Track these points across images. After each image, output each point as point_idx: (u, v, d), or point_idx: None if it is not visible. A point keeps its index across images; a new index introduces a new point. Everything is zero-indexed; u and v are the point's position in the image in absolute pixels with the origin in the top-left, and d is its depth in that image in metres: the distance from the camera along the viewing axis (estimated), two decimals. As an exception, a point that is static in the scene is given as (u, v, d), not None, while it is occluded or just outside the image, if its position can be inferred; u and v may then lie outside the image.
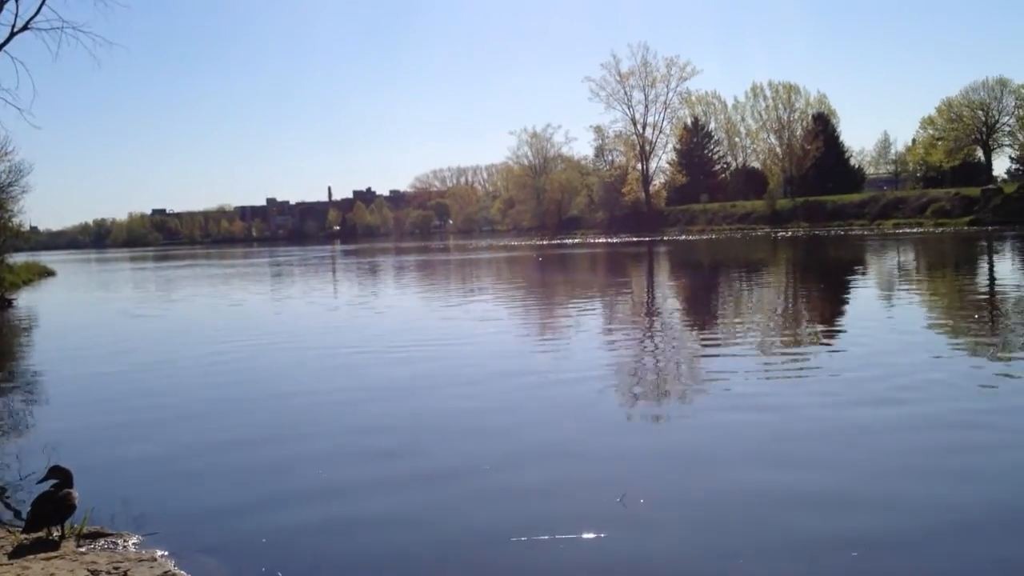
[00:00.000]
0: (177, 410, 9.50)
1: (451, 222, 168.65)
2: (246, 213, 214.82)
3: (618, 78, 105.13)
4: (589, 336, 14.21)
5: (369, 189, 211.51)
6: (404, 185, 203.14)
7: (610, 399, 9.12)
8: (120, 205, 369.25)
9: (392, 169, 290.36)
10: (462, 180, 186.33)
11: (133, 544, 5.44)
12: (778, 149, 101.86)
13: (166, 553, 5.25)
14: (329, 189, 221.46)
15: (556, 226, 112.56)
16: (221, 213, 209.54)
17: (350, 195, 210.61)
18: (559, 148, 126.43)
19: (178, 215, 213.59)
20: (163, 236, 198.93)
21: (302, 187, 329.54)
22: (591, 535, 5.22)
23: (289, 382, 11.05)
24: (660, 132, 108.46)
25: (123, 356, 14.07)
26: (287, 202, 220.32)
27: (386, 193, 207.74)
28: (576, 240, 77.72)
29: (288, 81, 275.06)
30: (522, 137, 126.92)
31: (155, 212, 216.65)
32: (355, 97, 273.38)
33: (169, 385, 11.23)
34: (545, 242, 74.79)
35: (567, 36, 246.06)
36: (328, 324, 17.92)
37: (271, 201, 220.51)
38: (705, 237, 72.07)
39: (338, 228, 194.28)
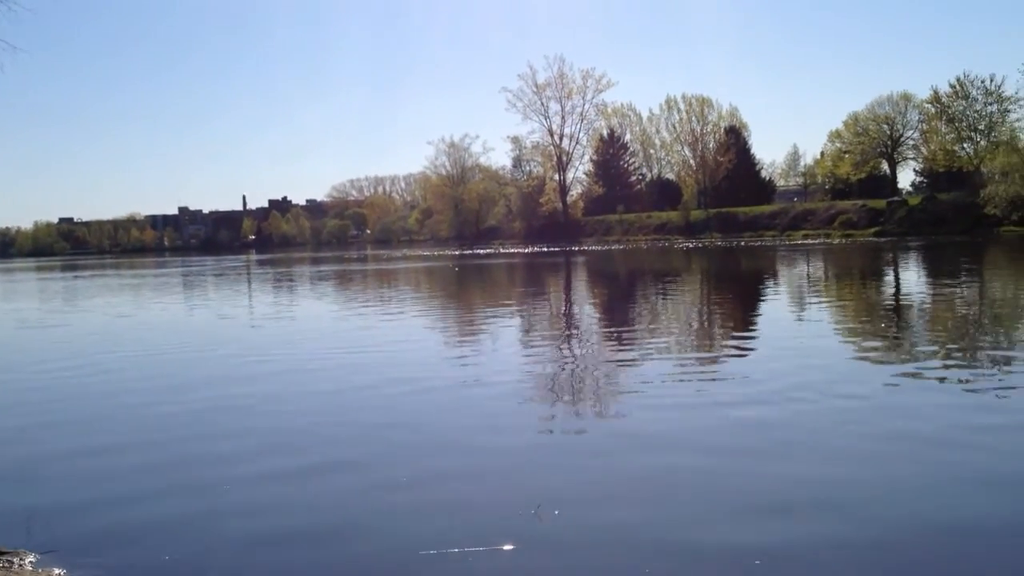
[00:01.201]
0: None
1: (369, 232, 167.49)
2: (157, 222, 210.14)
3: (535, 89, 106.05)
4: (505, 345, 14.18)
5: (285, 198, 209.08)
6: (321, 194, 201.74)
7: (525, 408, 8.99)
8: (25, 213, 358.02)
9: (309, 178, 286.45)
10: (380, 190, 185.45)
11: (30, 562, 5.20)
12: (692, 161, 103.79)
13: (64, 572, 5.04)
14: (244, 198, 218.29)
15: (474, 236, 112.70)
16: (131, 222, 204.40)
17: (265, 204, 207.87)
18: (477, 158, 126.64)
19: (86, 223, 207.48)
20: (70, 245, 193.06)
21: (216, 196, 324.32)
22: (504, 547, 5.08)
23: (198, 401, 10.61)
24: (577, 143, 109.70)
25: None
26: (200, 211, 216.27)
27: (303, 202, 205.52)
28: (494, 250, 77.89)
29: (200, 86, 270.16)
30: (440, 147, 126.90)
31: (62, 220, 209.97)
32: (270, 104, 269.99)
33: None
34: (463, 252, 74.88)
35: (484, 46, 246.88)
36: (235, 334, 17.42)
37: (183, 210, 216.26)
38: (621, 247, 72.94)
39: (253, 238, 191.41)
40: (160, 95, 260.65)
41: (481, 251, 75.52)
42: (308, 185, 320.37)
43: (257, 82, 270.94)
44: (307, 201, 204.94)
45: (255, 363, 12.90)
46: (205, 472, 6.99)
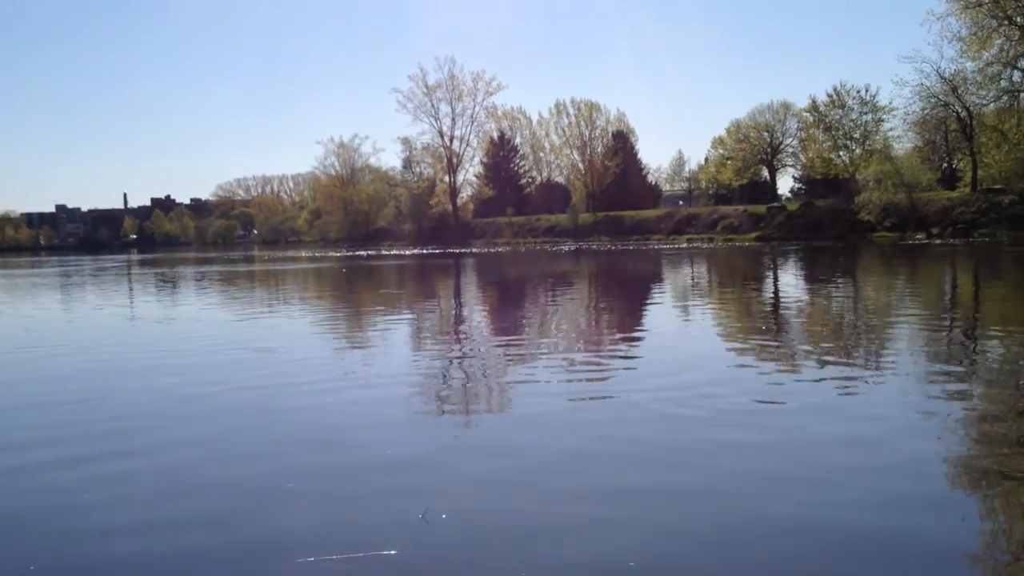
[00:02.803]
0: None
1: (256, 232, 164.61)
2: (33, 220, 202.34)
3: (425, 90, 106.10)
4: (391, 347, 14.03)
5: (168, 197, 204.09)
6: (206, 193, 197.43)
7: (413, 409, 8.83)
8: None
9: (193, 177, 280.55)
10: (267, 189, 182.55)
11: None
12: (580, 165, 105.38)
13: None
14: (125, 196, 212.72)
15: (364, 237, 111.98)
16: (5, 220, 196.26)
17: (148, 203, 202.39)
18: (367, 159, 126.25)
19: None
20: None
21: (95, 194, 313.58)
22: (387, 553, 4.89)
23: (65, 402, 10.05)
24: (467, 145, 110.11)
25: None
26: (79, 209, 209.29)
27: (187, 201, 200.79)
28: (384, 251, 77.43)
29: (79, 79, 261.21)
30: (329, 147, 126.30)
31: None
32: (154, 100, 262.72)
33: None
34: (352, 253, 74.23)
35: (374, 46, 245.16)
36: (112, 334, 16.94)
37: (61, 208, 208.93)
38: (511, 249, 73.44)
39: (135, 237, 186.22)
40: (36, 87, 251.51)
41: (371, 252, 75.03)
42: (193, 184, 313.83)
43: (141, 76, 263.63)
44: (192, 200, 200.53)
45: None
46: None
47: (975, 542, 4.79)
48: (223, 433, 8.05)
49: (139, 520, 5.63)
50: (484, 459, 6.91)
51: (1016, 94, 60.19)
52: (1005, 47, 57.09)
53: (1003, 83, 59.42)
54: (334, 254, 73.37)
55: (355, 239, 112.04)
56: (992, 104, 62.54)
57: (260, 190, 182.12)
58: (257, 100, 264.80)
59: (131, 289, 34.30)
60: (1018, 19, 55.00)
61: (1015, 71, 58.44)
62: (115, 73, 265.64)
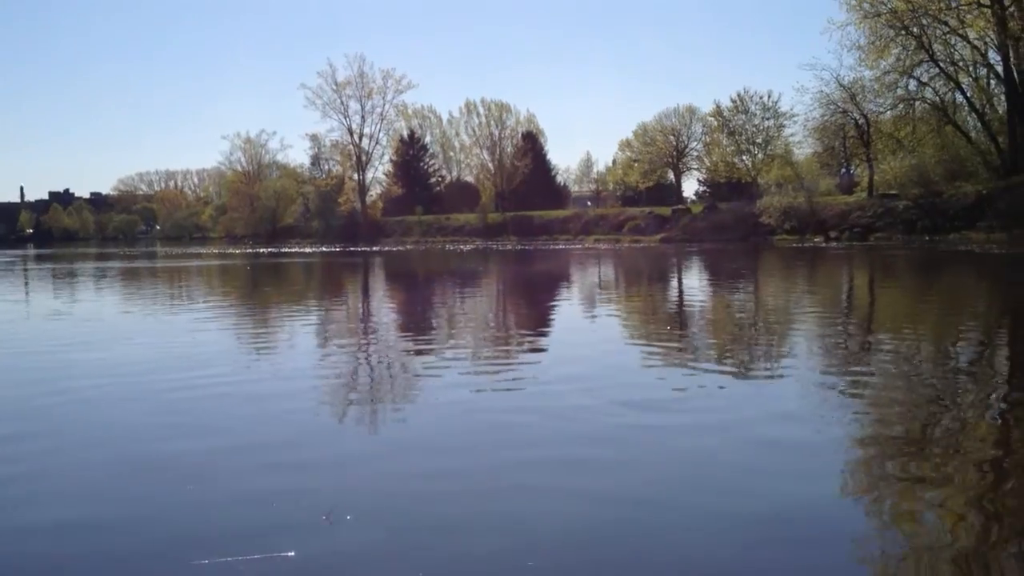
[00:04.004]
0: None
1: (159, 228, 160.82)
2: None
3: (334, 87, 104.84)
4: (297, 346, 13.89)
5: (67, 191, 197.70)
6: (107, 188, 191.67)
7: (316, 406, 8.67)
8: None
9: (93, 171, 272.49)
10: (171, 184, 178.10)
11: None
12: (490, 165, 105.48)
13: None
14: (21, 189, 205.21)
15: (271, 234, 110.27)
16: None
17: (46, 196, 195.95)
18: (275, 155, 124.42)
19: None
20: None
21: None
22: (286, 555, 4.73)
23: None
24: (377, 143, 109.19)
25: None
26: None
27: (87, 195, 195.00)
28: (291, 249, 76.49)
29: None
30: (235, 142, 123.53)
31: None
32: (49, 90, 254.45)
33: None
34: (259, 250, 73.12)
35: (283, 41, 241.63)
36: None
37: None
38: (421, 248, 73.24)
39: (31, 232, 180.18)
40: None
41: (277, 250, 74.04)
42: (93, 178, 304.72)
43: (36, 63, 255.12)
44: (91, 194, 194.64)
45: None
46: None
47: (868, 539, 4.94)
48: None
49: (20, 523, 5.45)
50: (391, 457, 6.84)
51: (912, 102, 62.29)
52: (902, 56, 59.01)
53: (899, 91, 61.40)
54: (241, 251, 72.23)
55: (262, 236, 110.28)
56: (888, 112, 64.60)
57: (163, 185, 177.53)
58: (160, 92, 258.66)
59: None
60: (915, 29, 56.91)
61: (911, 80, 60.44)
62: (8, 60, 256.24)
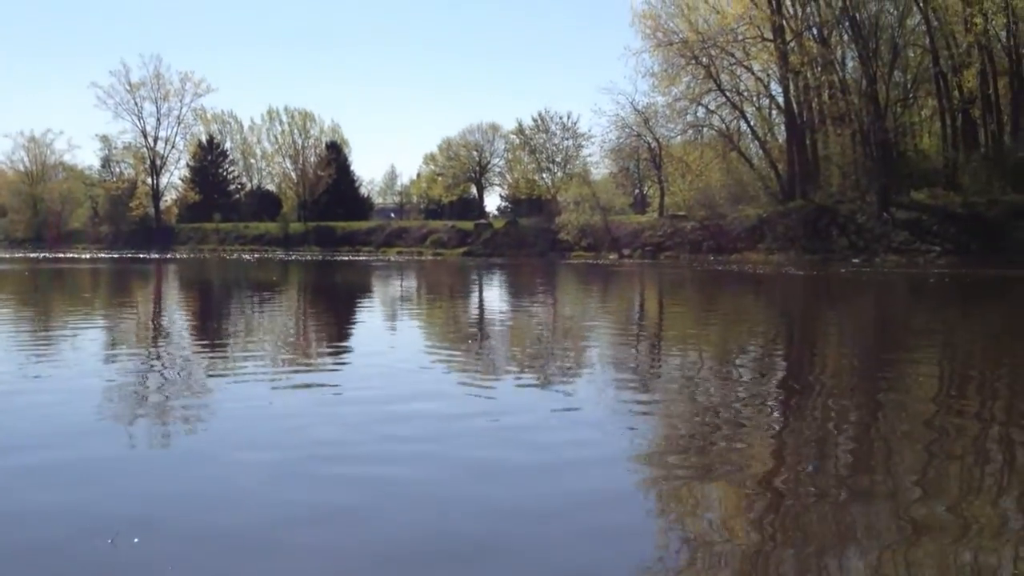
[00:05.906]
0: None
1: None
2: None
3: (128, 87, 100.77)
4: (83, 357, 13.29)
5: None
6: None
7: (105, 426, 8.07)
8: None
9: None
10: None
11: None
12: (293, 174, 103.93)
13: None
14: None
15: (55, 239, 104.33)
16: None
17: None
18: (61, 156, 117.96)
19: None
20: None
21: None
22: None
23: None
24: (173, 147, 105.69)
25: None
26: None
27: None
28: (76, 255, 72.60)
29: None
30: (18, 140, 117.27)
31: None
32: None
33: None
34: (41, 255, 69.10)
35: (72, 35, 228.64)
36: None
37: None
38: (217, 256, 71.20)
39: None
40: None
41: (62, 255, 70.17)
42: None
43: None
44: None
45: None
46: None
47: (654, 533, 5.30)
48: None
49: None
50: (186, 470, 6.51)
51: (700, 129, 66.07)
52: (692, 84, 62.54)
53: (689, 118, 65.02)
54: (22, 255, 68.00)
55: (44, 240, 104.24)
56: (679, 137, 68.31)
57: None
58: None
59: None
60: (704, 59, 60.30)
61: (700, 107, 64.05)
62: None
